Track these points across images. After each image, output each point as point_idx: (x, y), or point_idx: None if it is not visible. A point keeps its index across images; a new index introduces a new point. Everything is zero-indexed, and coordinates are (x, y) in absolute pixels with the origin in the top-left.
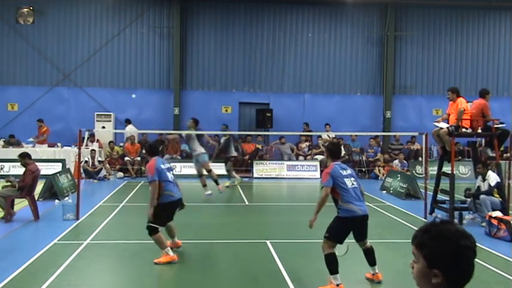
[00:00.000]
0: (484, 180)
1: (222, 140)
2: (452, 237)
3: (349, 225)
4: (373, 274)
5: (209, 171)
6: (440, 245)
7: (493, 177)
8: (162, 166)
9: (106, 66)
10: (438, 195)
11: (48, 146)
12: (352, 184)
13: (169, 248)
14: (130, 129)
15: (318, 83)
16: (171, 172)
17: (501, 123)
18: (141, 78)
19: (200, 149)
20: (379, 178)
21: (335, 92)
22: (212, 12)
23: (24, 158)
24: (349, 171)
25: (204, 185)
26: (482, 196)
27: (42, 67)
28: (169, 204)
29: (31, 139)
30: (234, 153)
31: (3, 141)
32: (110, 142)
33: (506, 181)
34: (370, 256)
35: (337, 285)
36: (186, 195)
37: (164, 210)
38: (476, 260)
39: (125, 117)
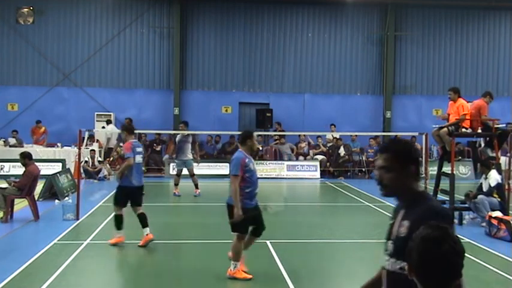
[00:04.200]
0: (486, 179)
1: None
2: (422, 240)
3: (127, 193)
4: (146, 235)
5: (193, 175)
6: (411, 243)
7: (493, 178)
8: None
9: (106, 66)
10: (438, 195)
11: (48, 146)
12: (140, 160)
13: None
14: (112, 129)
15: (318, 83)
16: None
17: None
18: (141, 78)
19: (190, 155)
20: None
21: (335, 92)
22: (212, 12)
23: (25, 158)
24: (141, 149)
25: (176, 184)
26: (480, 196)
27: (42, 67)
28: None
29: (33, 145)
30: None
31: (3, 141)
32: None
33: (506, 181)
34: (143, 220)
35: (119, 237)
36: (186, 195)
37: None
38: (476, 260)
39: (123, 117)
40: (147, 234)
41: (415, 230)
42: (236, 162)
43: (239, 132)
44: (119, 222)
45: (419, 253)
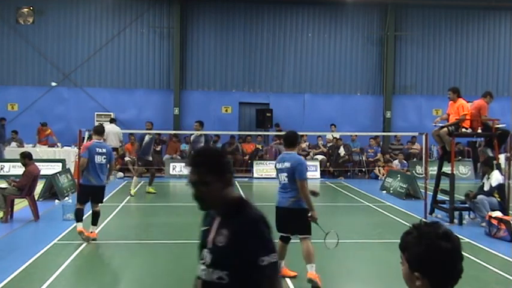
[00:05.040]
0: (488, 179)
1: (147, 138)
2: (432, 240)
3: (87, 191)
4: (91, 232)
5: None
6: (420, 248)
7: (495, 178)
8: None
9: (106, 66)
10: (438, 195)
11: (48, 146)
12: (101, 161)
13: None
14: (108, 129)
15: (318, 83)
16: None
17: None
18: (141, 78)
19: None
20: (379, 178)
21: (335, 92)
22: (212, 12)
23: (25, 158)
24: (104, 150)
25: None
26: (479, 196)
27: (42, 67)
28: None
29: (36, 144)
30: (150, 158)
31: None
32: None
33: (506, 181)
34: (95, 217)
35: (79, 227)
36: (186, 195)
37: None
38: (476, 260)
39: (125, 117)
40: (91, 232)
41: (236, 240)
42: (305, 165)
43: (239, 133)
44: (78, 215)
45: (432, 252)
